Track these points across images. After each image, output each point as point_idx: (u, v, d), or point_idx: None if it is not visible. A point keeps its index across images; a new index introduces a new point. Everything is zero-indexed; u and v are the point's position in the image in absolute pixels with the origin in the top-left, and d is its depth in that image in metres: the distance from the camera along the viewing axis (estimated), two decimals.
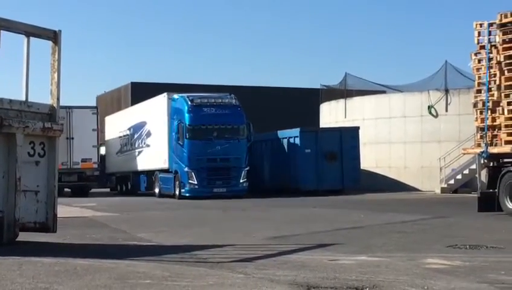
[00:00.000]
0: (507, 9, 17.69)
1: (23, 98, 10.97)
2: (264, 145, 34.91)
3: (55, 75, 11.29)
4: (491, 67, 18.21)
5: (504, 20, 17.66)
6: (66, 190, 34.98)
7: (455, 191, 31.19)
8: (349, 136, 32.85)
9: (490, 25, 18.29)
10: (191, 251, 10.43)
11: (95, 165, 34.84)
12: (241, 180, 29.50)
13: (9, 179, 10.41)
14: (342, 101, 38.48)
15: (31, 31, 11.08)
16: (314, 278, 7.69)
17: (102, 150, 40.10)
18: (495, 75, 18.10)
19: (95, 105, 45.91)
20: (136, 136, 35.99)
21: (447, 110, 33.58)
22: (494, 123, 18.08)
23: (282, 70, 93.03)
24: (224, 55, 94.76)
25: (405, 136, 34.78)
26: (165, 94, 31.90)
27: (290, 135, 33.11)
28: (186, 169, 29.14)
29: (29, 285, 7.16)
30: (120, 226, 15.44)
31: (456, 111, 32.94)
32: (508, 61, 17.65)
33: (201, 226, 15.93)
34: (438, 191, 31.74)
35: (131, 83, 56.33)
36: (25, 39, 11.02)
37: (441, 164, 32.08)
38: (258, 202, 25.60)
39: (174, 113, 30.47)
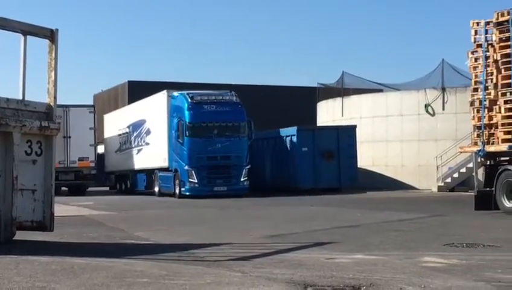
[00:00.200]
0: (504, 8, 17.72)
1: (20, 97, 10.95)
2: (264, 144, 34.63)
3: (52, 73, 11.28)
4: (488, 66, 18.22)
5: (501, 19, 17.67)
6: (63, 188, 35.01)
7: (452, 190, 31.24)
8: (346, 135, 32.86)
9: (487, 23, 18.30)
10: (188, 249, 10.43)
11: (92, 164, 34.82)
12: (242, 179, 29.10)
13: (7, 178, 10.41)
14: (339, 100, 38.48)
15: (27, 30, 11.06)
16: (311, 277, 7.70)
17: (100, 149, 40.05)
18: (492, 73, 18.11)
19: (92, 104, 45.88)
20: (135, 134, 35.64)
21: (443, 109, 33.62)
22: (491, 122, 18.10)
23: (279, 69, 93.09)
24: (221, 54, 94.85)
25: (402, 135, 34.81)
26: (164, 91, 31.54)
27: (287, 133, 33.10)
28: (186, 167, 28.77)
29: (27, 284, 7.16)
30: (117, 225, 15.43)
31: (453, 109, 32.97)
32: (504, 60, 17.65)
33: (199, 224, 15.94)
34: (435, 189, 31.78)
35: (128, 81, 56.35)
36: (22, 38, 11.00)
37: (438, 163, 32.12)
38: (256, 201, 25.55)
39: (173, 110, 30.09)
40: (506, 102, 17.61)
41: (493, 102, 18.08)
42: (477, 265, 8.64)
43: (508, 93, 17.57)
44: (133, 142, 36.06)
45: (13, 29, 10.92)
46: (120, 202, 27.31)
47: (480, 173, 18.90)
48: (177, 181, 29.64)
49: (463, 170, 31.06)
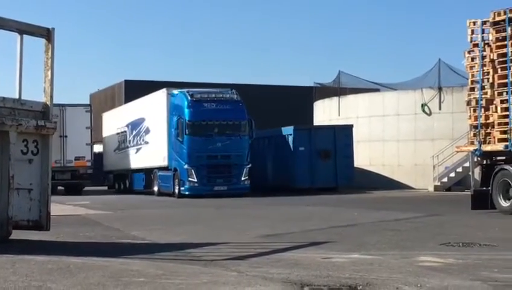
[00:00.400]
0: (500, 8, 17.72)
1: (17, 96, 10.93)
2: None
3: (49, 72, 11.26)
4: (485, 65, 18.24)
5: (497, 18, 17.68)
6: (60, 188, 34.96)
7: (448, 189, 31.28)
8: (343, 134, 32.87)
9: (483, 23, 18.31)
10: (184, 248, 10.42)
11: (89, 163, 34.74)
12: (242, 178, 28.70)
13: (3, 177, 10.39)
14: (335, 99, 38.51)
15: (24, 29, 11.04)
16: (308, 276, 7.69)
17: (96, 148, 39.93)
18: (488, 73, 18.12)
19: (88, 103, 45.84)
20: (134, 132, 35.27)
21: (440, 108, 33.66)
22: (488, 121, 18.11)
23: (276, 69, 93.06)
24: (217, 53, 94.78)
25: (398, 134, 34.84)
26: (164, 90, 31.18)
27: (285, 132, 33.07)
28: (185, 166, 28.34)
29: (23, 283, 7.14)
30: (113, 224, 15.40)
31: (450, 109, 33.01)
32: (501, 59, 17.67)
33: (196, 224, 15.93)
34: (431, 189, 31.83)
35: (125, 80, 56.29)
36: (18, 37, 10.97)
37: (434, 162, 32.16)
38: (254, 201, 25.45)
39: (173, 108, 29.70)
40: (502, 101, 17.63)
41: (490, 101, 18.09)
42: (474, 264, 8.65)
43: (505, 93, 17.59)
44: (132, 141, 35.72)
45: (9, 28, 10.90)
46: (117, 201, 27.21)
47: (477, 173, 18.94)
48: (176, 180, 29.22)
49: (459, 169, 31.12)
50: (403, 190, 32.51)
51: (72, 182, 34.50)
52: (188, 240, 11.85)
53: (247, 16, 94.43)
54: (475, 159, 18.60)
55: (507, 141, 17.24)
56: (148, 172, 33.15)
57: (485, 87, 18.20)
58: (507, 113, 17.42)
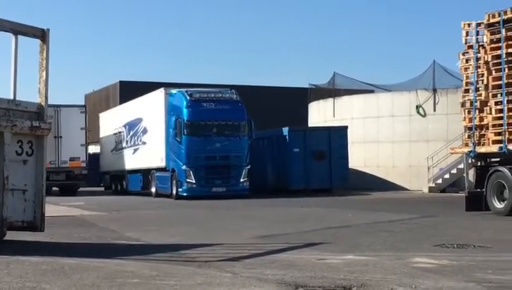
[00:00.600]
0: (495, 9, 17.77)
1: (11, 97, 10.90)
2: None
3: (44, 73, 11.25)
4: (479, 67, 18.28)
5: (492, 20, 17.72)
6: (54, 188, 34.87)
7: (443, 191, 31.32)
8: (338, 136, 32.86)
9: (478, 25, 18.35)
10: (179, 250, 10.42)
11: (83, 164, 34.61)
12: (241, 180, 28.21)
13: None
14: (330, 101, 38.53)
15: (18, 30, 11.02)
16: (302, 277, 7.70)
17: (93, 149, 39.74)
18: (483, 75, 18.16)
19: (83, 104, 45.76)
20: (131, 133, 34.78)
21: (435, 110, 33.71)
22: (482, 123, 18.16)
23: (271, 70, 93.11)
24: (212, 54, 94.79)
25: (393, 136, 34.88)
26: (162, 89, 30.73)
27: (280, 133, 33.02)
28: (183, 167, 27.85)
29: (17, 284, 7.14)
30: (108, 226, 15.38)
31: (444, 110, 33.06)
32: (495, 61, 17.71)
33: (190, 225, 15.91)
34: (426, 190, 31.86)
35: (120, 81, 56.26)
36: (13, 37, 10.95)
37: (429, 163, 32.20)
38: (251, 202, 25.26)
39: (171, 108, 29.18)
40: (496, 103, 17.67)
41: (484, 103, 18.14)
42: (468, 266, 8.67)
43: (499, 95, 17.62)
44: (129, 142, 35.25)
45: (4, 28, 10.88)
46: (112, 202, 27.08)
47: (471, 174, 18.96)
48: (174, 181, 28.76)
49: (454, 171, 31.16)
50: (398, 191, 32.54)
51: (67, 183, 34.39)
52: (183, 241, 11.85)
53: (243, 17, 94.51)
54: (469, 161, 18.64)
55: (501, 143, 17.29)
56: (146, 173, 32.61)
57: (480, 89, 18.25)
58: (501, 115, 17.46)
